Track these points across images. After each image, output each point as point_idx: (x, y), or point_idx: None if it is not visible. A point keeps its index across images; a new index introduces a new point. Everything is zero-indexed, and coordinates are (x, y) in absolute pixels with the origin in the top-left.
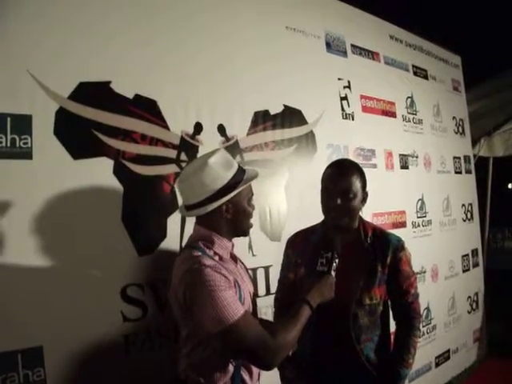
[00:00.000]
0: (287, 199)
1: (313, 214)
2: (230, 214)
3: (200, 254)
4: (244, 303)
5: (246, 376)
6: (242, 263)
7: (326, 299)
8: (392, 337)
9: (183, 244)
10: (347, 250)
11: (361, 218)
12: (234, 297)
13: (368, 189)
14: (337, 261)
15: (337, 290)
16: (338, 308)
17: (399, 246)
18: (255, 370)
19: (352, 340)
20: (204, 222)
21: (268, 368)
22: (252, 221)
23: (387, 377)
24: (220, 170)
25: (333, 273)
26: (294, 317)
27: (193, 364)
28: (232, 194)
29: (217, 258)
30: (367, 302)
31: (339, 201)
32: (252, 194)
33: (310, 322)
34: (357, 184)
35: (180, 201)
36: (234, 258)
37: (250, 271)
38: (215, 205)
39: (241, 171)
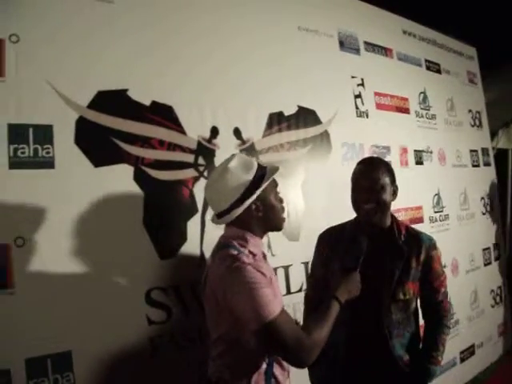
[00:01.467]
0: (304, 199)
1: (330, 213)
2: (260, 212)
3: (237, 252)
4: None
5: (277, 372)
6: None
7: (353, 296)
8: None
9: (203, 247)
10: (382, 247)
11: (393, 217)
12: (273, 294)
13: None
14: (362, 258)
15: (372, 285)
16: (372, 303)
17: (431, 244)
18: (286, 365)
19: (385, 335)
20: (235, 222)
21: (302, 365)
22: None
23: (417, 374)
24: (240, 172)
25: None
26: (325, 313)
27: (226, 364)
28: (257, 193)
29: (251, 256)
30: (401, 297)
31: (368, 195)
32: (276, 186)
33: (344, 316)
34: (384, 177)
35: (200, 204)
36: (265, 257)
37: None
38: (242, 208)
39: (261, 169)
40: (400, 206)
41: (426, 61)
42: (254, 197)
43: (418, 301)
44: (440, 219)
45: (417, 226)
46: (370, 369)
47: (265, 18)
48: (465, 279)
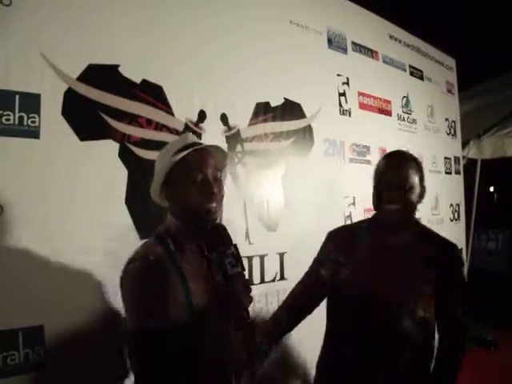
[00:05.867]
0: (284, 191)
1: (309, 206)
2: (170, 201)
3: (154, 243)
4: (196, 302)
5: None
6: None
7: (235, 311)
8: None
9: None
10: (400, 253)
11: (416, 220)
12: (158, 304)
13: (365, 184)
14: (229, 252)
15: (385, 298)
16: (385, 318)
17: (456, 253)
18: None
19: (400, 355)
20: (169, 207)
21: None
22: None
23: None
24: (159, 157)
25: (233, 270)
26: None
27: None
28: (156, 180)
29: (174, 248)
30: (420, 314)
31: (398, 194)
32: (200, 175)
33: (352, 331)
34: (414, 175)
35: None
36: (202, 250)
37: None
38: (153, 194)
39: (176, 153)
40: None
41: (410, 66)
42: (155, 185)
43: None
44: None
45: None
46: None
47: (259, 9)
48: None
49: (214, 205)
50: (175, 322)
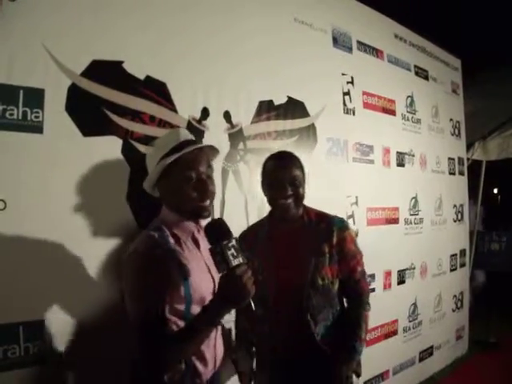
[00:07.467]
0: None
1: (310, 205)
2: (165, 196)
3: (153, 234)
4: (194, 293)
5: (198, 364)
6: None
7: (241, 300)
8: None
9: None
10: (294, 236)
11: (304, 206)
12: (159, 290)
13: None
14: (231, 245)
15: (289, 275)
16: (292, 292)
17: (343, 226)
18: (209, 355)
19: (308, 321)
20: (163, 199)
21: None
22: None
23: (342, 352)
24: (152, 152)
25: (235, 261)
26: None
27: None
28: (150, 177)
29: (172, 240)
30: (319, 282)
31: (286, 190)
32: (192, 168)
33: (264, 310)
34: (299, 171)
35: None
36: (197, 243)
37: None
38: (146, 187)
39: (174, 150)
40: (377, 205)
41: (415, 66)
42: (149, 179)
43: None
44: (415, 222)
45: (392, 227)
46: (294, 356)
47: (262, 6)
48: (431, 283)
49: (207, 203)
50: (174, 309)
